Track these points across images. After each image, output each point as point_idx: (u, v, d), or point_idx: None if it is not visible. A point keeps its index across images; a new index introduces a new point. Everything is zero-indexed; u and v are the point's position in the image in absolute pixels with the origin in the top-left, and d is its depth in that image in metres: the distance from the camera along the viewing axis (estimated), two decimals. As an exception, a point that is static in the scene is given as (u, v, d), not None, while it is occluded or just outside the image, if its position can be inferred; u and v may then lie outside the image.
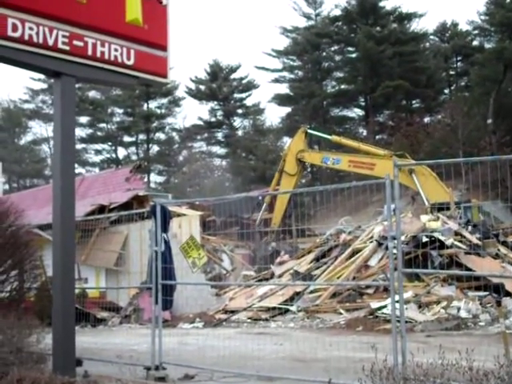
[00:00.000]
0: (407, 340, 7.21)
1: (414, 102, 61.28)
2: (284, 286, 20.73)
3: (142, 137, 69.13)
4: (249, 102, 69.06)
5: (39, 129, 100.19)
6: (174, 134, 72.11)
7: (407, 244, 18.94)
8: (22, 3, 8.38)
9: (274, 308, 19.55)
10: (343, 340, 12.86)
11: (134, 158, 66.08)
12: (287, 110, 64.67)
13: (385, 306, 16.70)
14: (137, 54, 9.47)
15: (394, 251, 7.59)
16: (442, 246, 19.03)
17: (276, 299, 20.33)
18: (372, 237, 21.59)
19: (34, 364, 8.45)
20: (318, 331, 16.40)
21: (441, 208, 23.76)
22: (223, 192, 50.07)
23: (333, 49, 63.43)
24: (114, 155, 69.63)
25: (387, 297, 16.48)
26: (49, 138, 68.23)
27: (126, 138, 69.60)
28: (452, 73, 61.76)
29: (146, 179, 56.11)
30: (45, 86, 67.58)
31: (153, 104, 69.19)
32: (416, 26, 61.20)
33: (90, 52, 8.97)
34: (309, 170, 53.36)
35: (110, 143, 69.46)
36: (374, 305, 17.49)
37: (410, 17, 60.44)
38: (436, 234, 19.80)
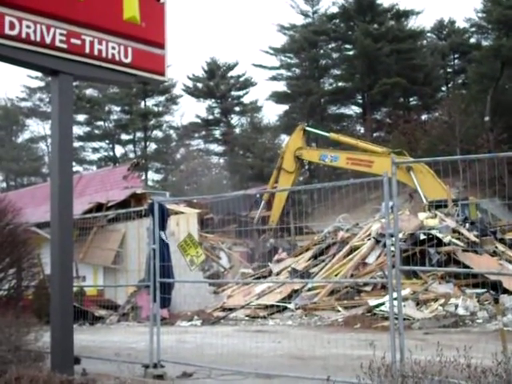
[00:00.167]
0: (405, 337, 7.22)
1: (411, 99, 61.21)
2: (282, 284, 20.76)
3: (139, 135, 69.03)
4: (246, 100, 69.11)
5: (36, 127, 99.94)
6: (172, 131, 72.09)
7: (405, 241, 18.96)
8: (19, 1, 8.36)
9: (271, 306, 19.59)
10: (341, 337, 12.86)
11: (132, 155, 65.98)
12: (285, 107, 64.69)
13: (383, 304, 16.73)
14: (134, 51, 9.46)
15: (392, 249, 7.60)
16: (440, 243, 19.08)
17: (274, 297, 20.36)
18: (370, 234, 21.61)
19: (32, 362, 8.45)
20: (316, 329, 16.42)
21: (438, 205, 23.80)
22: (221, 190, 50.15)
23: (330, 46, 63.33)
24: (111, 153, 69.56)
25: (385, 294, 16.54)
26: (46, 136, 68.15)
27: (124, 136, 69.52)
28: (449, 70, 61.72)
29: (143, 177, 56.18)
30: (42, 84, 67.47)
31: (150, 102, 69.14)
32: (413, 23, 61.13)
33: (87, 50, 8.95)
34: (306, 167, 53.33)
35: (107, 141, 69.35)
36: (372, 302, 17.52)
37: (407, 14, 60.34)
38: (434, 232, 19.83)
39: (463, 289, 18.11)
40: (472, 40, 57.66)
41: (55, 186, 8.89)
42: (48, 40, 8.56)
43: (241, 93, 69.19)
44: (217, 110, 69.21)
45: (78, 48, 8.87)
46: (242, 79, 68.44)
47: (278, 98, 63.74)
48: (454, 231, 20.46)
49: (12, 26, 8.24)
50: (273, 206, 34.20)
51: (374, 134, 54.54)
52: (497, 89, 45.75)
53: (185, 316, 20.14)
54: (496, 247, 20.45)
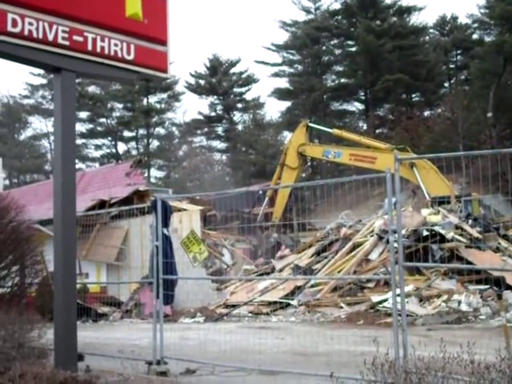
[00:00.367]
0: (408, 333, 7.21)
1: (413, 95, 61.19)
2: (285, 280, 20.77)
3: (142, 132, 69.13)
4: (249, 97, 69.12)
5: (39, 124, 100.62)
6: (174, 128, 72.21)
7: (408, 238, 18.97)
8: (21, -2, 8.36)
9: (274, 302, 19.59)
10: (344, 334, 12.88)
11: (134, 152, 66.06)
12: (287, 104, 64.66)
13: (386, 300, 16.73)
14: (137, 48, 9.45)
15: (395, 245, 7.59)
16: (443, 239, 19.06)
17: (277, 293, 20.37)
18: (373, 231, 21.61)
19: (36, 359, 8.46)
20: (319, 325, 16.43)
21: (441, 202, 23.78)
22: (223, 186, 50.10)
23: (332, 43, 63.33)
24: (114, 150, 69.60)
25: (388, 290, 16.53)
26: (49, 133, 68.22)
27: (126, 133, 69.61)
28: (452, 66, 61.60)
29: (146, 174, 56.22)
30: (44, 81, 67.49)
31: (153, 99, 69.17)
32: (416, 19, 61.11)
33: (89, 47, 8.94)
34: (309, 163, 53.29)
35: (109, 138, 69.41)
36: (375, 298, 17.53)
37: (409, 10, 60.29)
38: (436, 228, 19.83)
39: (466, 285, 18.12)
40: (474, 36, 57.55)
41: (58, 183, 8.89)
42: (50, 37, 8.55)
43: (243, 89, 69.24)
44: (219, 107, 69.26)
45: (81, 45, 8.85)
46: (244, 76, 68.46)
47: (280, 94, 63.75)
48: (457, 227, 20.45)
49: (14, 24, 8.23)
50: (276, 203, 34.21)
51: (377, 131, 54.48)
52: (499, 85, 45.66)
53: (188, 313, 20.15)
54: (499, 243, 20.43)
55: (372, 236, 21.23)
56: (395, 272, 7.55)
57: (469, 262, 17.40)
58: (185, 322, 19.11)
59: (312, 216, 36.44)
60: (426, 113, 56.09)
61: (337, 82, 63.01)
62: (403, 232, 16.50)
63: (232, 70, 68.69)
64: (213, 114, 69.18)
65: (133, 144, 70.02)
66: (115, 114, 68.84)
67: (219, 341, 10.97)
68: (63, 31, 8.66)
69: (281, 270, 22.95)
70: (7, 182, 62.41)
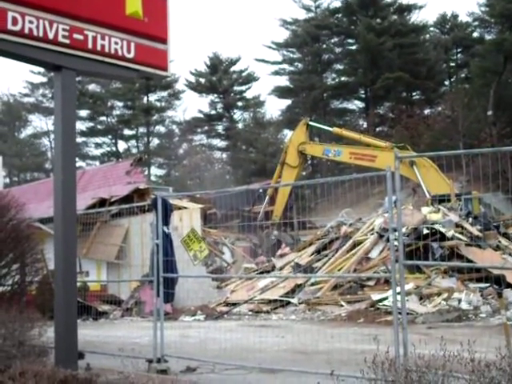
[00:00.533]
0: (408, 332, 7.22)
1: (414, 93, 61.12)
2: (285, 279, 20.77)
3: (142, 130, 69.08)
4: (249, 95, 69.03)
5: (39, 122, 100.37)
6: (174, 127, 72.13)
7: (408, 236, 18.96)
8: (21, -4, 8.35)
9: (275, 300, 19.61)
10: (345, 332, 12.88)
11: (135, 151, 66.02)
12: (287, 102, 64.68)
13: (386, 298, 16.74)
14: (137, 46, 9.44)
15: (395, 243, 7.59)
16: (443, 237, 19.07)
17: (277, 292, 20.38)
18: (373, 229, 21.61)
19: (36, 357, 8.46)
20: (320, 323, 16.44)
21: (441, 200, 23.78)
22: (224, 185, 50.07)
23: (333, 41, 63.29)
24: (114, 148, 69.55)
25: (388, 289, 16.54)
26: (49, 131, 68.18)
27: (126, 132, 69.57)
28: (452, 64, 61.53)
29: (146, 172, 56.15)
30: (45, 79, 67.44)
31: (153, 97, 69.12)
32: (416, 17, 61.14)
33: (90, 45, 8.93)
34: (309, 162, 53.28)
35: (110, 136, 69.38)
36: (375, 297, 17.54)
37: (409, 8, 60.24)
38: (437, 226, 19.82)
39: (466, 283, 18.12)
40: (475, 34, 57.53)
41: (58, 181, 8.89)
42: (51, 35, 8.53)
43: (243, 88, 69.18)
44: (219, 105, 69.22)
45: (81, 43, 8.84)
46: (244, 74, 68.40)
47: (280, 92, 63.72)
48: (457, 225, 20.45)
49: (15, 22, 8.22)
50: (276, 201, 34.20)
51: (377, 129, 54.42)
52: (500, 83, 45.65)
53: (188, 311, 20.16)
54: (499, 241, 20.43)
55: (372, 234, 21.24)
56: (395, 270, 7.55)
57: (469, 260, 17.40)
58: (185, 320, 19.12)
59: (312, 214, 36.47)
60: (427, 111, 56.02)
61: (337, 80, 63.00)
62: (403, 230, 16.48)
63: (232, 68, 68.68)
64: (213, 112, 69.18)
65: (133, 142, 70.04)
66: (115, 113, 68.87)
67: (219, 339, 10.98)
68: (63, 29, 8.65)
69: (281, 269, 22.96)
70: (7, 180, 62.41)
